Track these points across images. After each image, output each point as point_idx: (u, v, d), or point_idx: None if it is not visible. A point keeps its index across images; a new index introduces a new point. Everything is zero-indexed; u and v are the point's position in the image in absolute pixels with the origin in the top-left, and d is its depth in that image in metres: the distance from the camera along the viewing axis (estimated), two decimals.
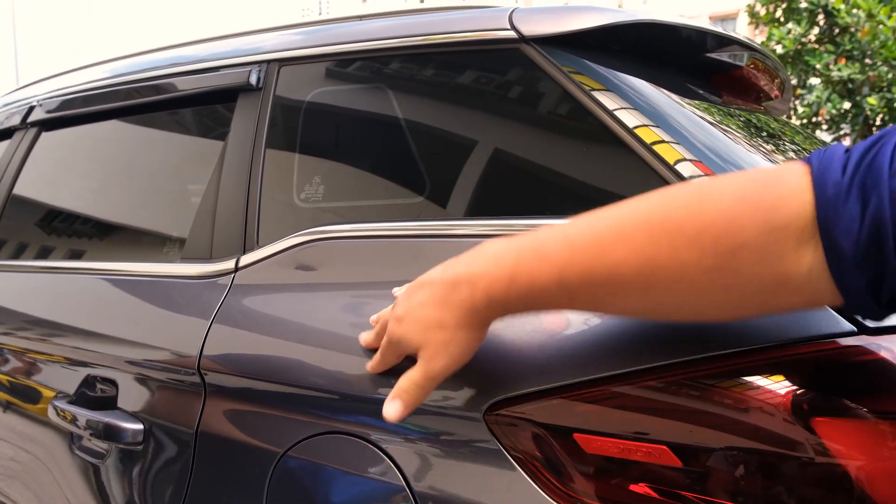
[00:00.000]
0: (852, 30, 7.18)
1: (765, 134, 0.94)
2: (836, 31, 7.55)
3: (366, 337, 0.65)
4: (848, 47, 7.27)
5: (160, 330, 0.89)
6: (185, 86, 1.13)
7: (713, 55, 0.98)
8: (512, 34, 0.77)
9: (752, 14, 8.98)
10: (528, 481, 0.55)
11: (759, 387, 0.49)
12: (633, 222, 0.45)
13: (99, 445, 0.91)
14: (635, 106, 0.71)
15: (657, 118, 0.70)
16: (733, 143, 0.74)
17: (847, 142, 8.25)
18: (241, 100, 1.03)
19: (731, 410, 0.49)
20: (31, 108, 1.54)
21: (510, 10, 0.80)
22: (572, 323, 0.56)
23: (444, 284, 0.52)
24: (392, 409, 0.55)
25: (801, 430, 0.47)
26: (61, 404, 0.95)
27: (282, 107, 0.97)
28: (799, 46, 7.83)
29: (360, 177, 0.89)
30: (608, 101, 0.70)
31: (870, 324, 0.49)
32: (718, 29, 0.92)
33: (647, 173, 0.65)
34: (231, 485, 0.76)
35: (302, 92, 0.96)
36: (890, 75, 7.05)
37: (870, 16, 7.00)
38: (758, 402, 0.49)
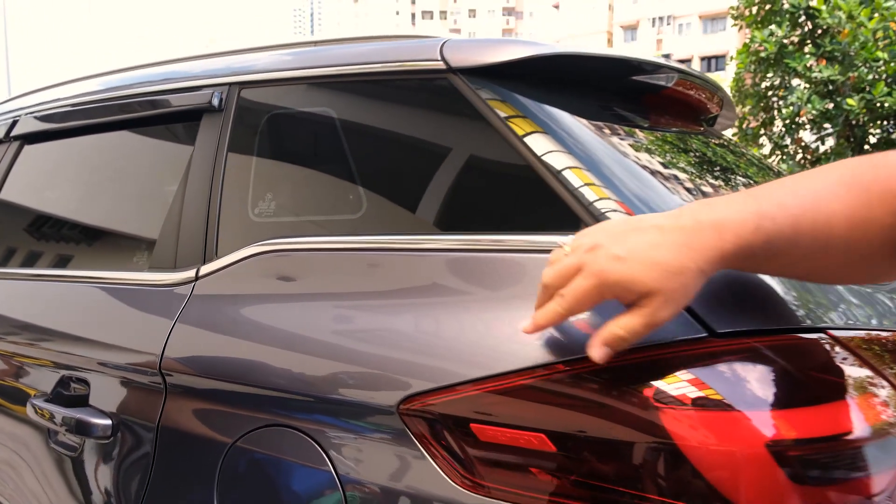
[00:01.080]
0: (834, 31, 7.28)
1: (680, 149, 1.03)
2: (818, 32, 7.65)
3: (550, 274, 0.55)
4: (829, 49, 7.37)
5: (127, 333, 0.97)
6: (154, 105, 1.21)
7: (640, 80, 1.05)
8: (441, 65, 0.85)
9: (736, 16, 9.06)
10: (434, 467, 0.64)
11: (620, 382, 0.58)
12: (847, 182, 0.49)
13: (72, 440, 0.99)
14: (546, 131, 0.79)
15: (563, 142, 0.78)
16: (636, 162, 0.83)
17: (831, 142, 8.35)
18: (204, 119, 1.10)
19: (596, 403, 0.58)
20: (14, 123, 1.61)
21: (442, 42, 0.89)
22: (465, 329, 0.65)
23: (683, 229, 0.50)
24: (601, 353, 0.52)
25: (651, 420, 0.56)
26: (39, 403, 1.03)
27: (240, 127, 1.05)
28: (780, 48, 7.93)
29: (306, 194, 0.97)
30: (519, 127, 0.78)
31: (719, 329, 0.58)
32: (644, 56, 1.00)
33: (549, 192, 0.73)
34: (188, 472, 0.84)
35: (258, 114, 1.04)
36: (870, 76, 7.16)
37: (850, 17, 7.11)
38: (618, 396, 0.58)
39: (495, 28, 76.59)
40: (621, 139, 0.87)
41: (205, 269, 0.95)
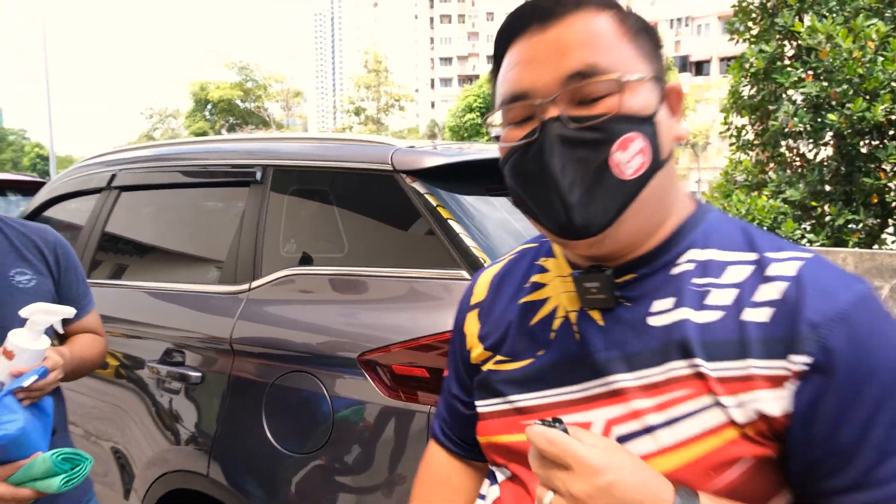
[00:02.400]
0: (817, 49, 7.76)
1: None
2: (803, 49, 8.13)
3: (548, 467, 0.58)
4: (814, 65, 7.85)
5: (209, 322, 1.61)
6: (219, 172, 1.86)
7: None
8: (389, 167, 1.48)
9: (731, 31, 9.53)
10: (374, 387, 1.27)
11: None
12: None
13: (175, 385, 1.64)
14: (445, 206, 1.41)
15: (455, 213, 1.40)
16: (502, 224, 1.44)
17: (829, 151, 8.72)
18: (251, 186, 1.75)
19: (431, 356, 1.20)
20: (113, 176, 2.28)
21: (393, 150, 1.51)
22: (391, 318, 1.28)
23: None
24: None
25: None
26: (153, 364, 1.69)
27: (273, 194, 1.69)
28: (769, 65, 8.41)
29: (312, 240, 1.61)
30: (438, 209, 1.40)
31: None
32: None
33: (447, 254, 1.34)
34: (246, 400, 1.48)
35: (283, 186, 1.68)
36: (850, 92, 7.63)
37: (829, 37, 7.59)
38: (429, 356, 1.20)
39: None
40: (493, 208, 1.49)
41: (254, 284, 1.59)
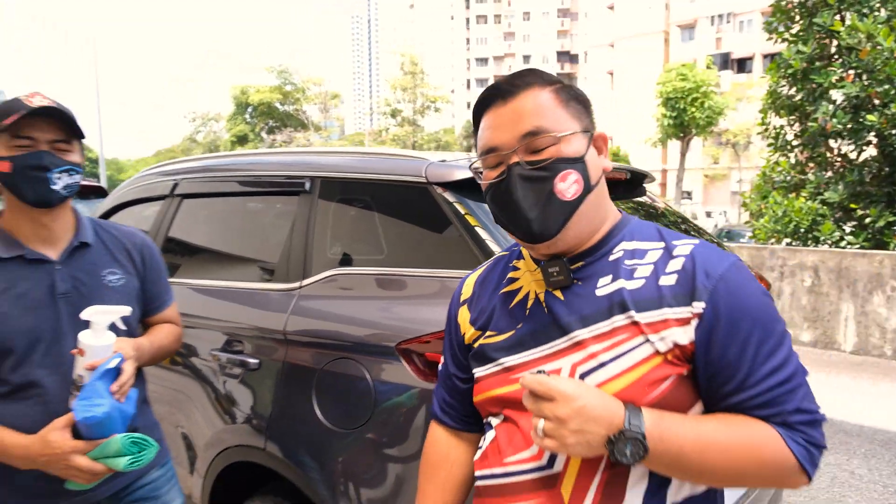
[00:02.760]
0: (856, 49, 7.66)
1: None
2: (843, 49, 8.03)
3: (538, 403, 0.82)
4: (854, 65, 7.76)
5: (265, 315, 1.83)
6: (273, 183, 2.08)
7: None
8: (423, 179, 1.67)
9: (769, 30, 9.42)
10: (409, 371, 1.46)
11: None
12: (718, 454, 0.80)
13: (235, 371, 1.87)
14: (479, 221, 1.59)
15: (489, 225, 1.57)
16: None
17: (872, 151, 8.55)
18: (301, 195, 1.96)
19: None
20: (175, 185, 2.53)
21: (427, 164, 1.70)
22: (424, 311, 1.47)
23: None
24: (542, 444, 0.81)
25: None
26: (215, 352, 1.91)
27: (320, 202, 1.90)
28: (807, 65, 8.33)
29: (355, 243, 1.81)
30: (466, 217, 1.58)
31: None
32: None
33: (473, 256, 1.52)
34: (298, 384, 1.69)
35: (329, 195, 1.88)
36: (893, 92, 7.51)
37: (870, 36, 7.49)
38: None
39: (550, 30, 76.55)
40: None
41: (305, 282, 1.80)
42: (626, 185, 2.20)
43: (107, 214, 2.81)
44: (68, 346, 1.30)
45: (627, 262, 0.91)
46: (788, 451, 0.82)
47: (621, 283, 0.89)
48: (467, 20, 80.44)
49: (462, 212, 1.58)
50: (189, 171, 2.51)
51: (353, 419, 1.55)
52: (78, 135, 1.34)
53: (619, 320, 0.87)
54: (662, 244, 0.92)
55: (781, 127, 9.30)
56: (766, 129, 9.36)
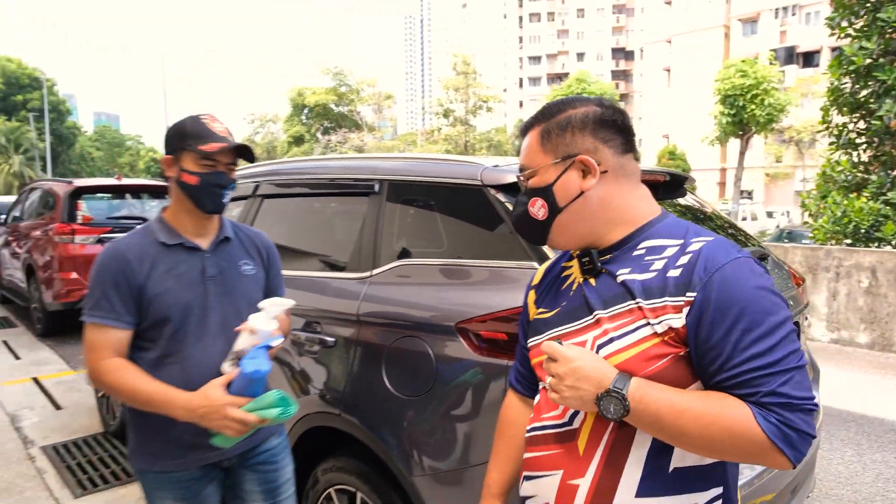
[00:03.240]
0: None
1: None
2: None
3: (553, 365, 1.03)
4: None
5: (340, 301, 2.12)
6: (347, 184, 2.37)
7: None
8: (479, 182, 1.91)
9: (831, 26, 9.23)
10: (466, 346, 1.71)
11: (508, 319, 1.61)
12: (694, 422, 0.94)
13: (314, 349, 2.16)
14: None
15: None
16: None
17: None
18: (371, 195, 2.24)
19: (509, 324, 1.62)
20: (257, 185, 2.86)
21: (482, 169, 1.95)
22: (480, 296, 1.71)
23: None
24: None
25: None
26: (297, 332, 2.21)
27: (388, 202, 2.17)
28: (871, 61, 8.14)
29: (418, 238, 2.07)
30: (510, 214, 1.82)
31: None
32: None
33: (522, 250, 1.76)
34: (369, 359, 1.97)
35: (395, 196, 2.15)
36: None
37: None
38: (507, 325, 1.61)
39: (605, 26, 75.34)
40: None
41: (374, 272, 2.08)
42: (666, 187, 2.39)
43: None
44: (212, 320, 1.60)
45: (647, 257, 1.06)
46: (758, 427, 0.92)
47: (636, 275, 1.04)
48: (520, 18, 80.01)
49: (512, 210, 1.82)
50: (269, 174, 2.84)
51: (416, 388, 1.81)
52: (249, 161, 1.68)
53: (628, 305, 1.03)
54: (681, 241, 1.05)
55: (844, 125, 9.07)
56: (828, 128, 9.15)
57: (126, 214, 7.79)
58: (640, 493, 1.02)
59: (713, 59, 44.64)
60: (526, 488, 1.17)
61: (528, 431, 1.19)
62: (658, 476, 1.03)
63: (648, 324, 1.00)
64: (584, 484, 1.06)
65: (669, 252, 1.04)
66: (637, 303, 1.02)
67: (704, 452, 0.99)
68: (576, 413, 1.09)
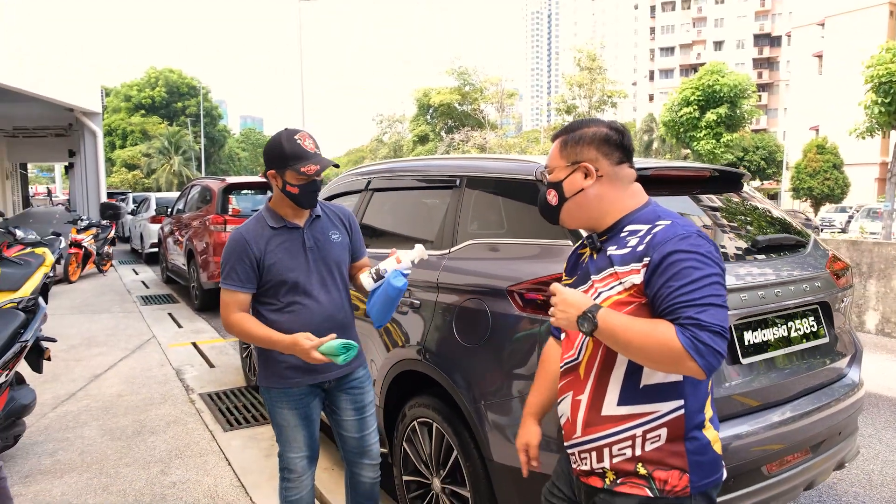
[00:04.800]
0: None
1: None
2: None
3: (555, 302, 1.45)
4: None
5: (427, 272, 2.63)
6: (435, 179, 2.89)
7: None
8: (533, 177, 2.34)
9: None
10: (514, 306, 2.15)
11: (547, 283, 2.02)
12: (636, 334, 1.29)
13: (404, 310, 2.70)
14: None
15: None
16: None
17: None
18: (454, 188, 2.74)
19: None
20: (369, 181, 3.46)
21: (537, 166, 2.37)
22: (527, 266, 2.14)
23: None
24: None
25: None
26: None
27: (466, 194, 2.65)
28: None
29: (486, 221, 2.53)
30: None
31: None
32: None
33: (563, 231, 2.17)
34: (444, 315, 2.47)
35: (473, 188, 2.63)
36: None
37: None
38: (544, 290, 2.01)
39: (748, 10, 70.30)
40: None
41: (452, 249, 2.58)
42: (718, 183, 2.65)
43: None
44: (312, 278, 2.18)
45: (627, 237, 1.45)
46: (677, 340, 1.26)
47: (618, 250, 1.44)
48: (652, 8, 76.74)
49: None
50: (378, 172, 3.44)
51: (476, 338, 2.28)
52: (335, 168, 2.22)
53: (610, 271, 1.44)
54: (650, 225, 1.42)
55: None
56: None
57: None
58: (620, 402, 1.43)
59: (874, 41, 40.42)
60: (558, 410, 1.60)
61: (561, 367, 1.62)
62: (632, 391, 1.42)
63: (620, 283, 1.40)
64: (584, 399, 1.49)
65: (641, 233, 1.43)
66: (614, 269, 1.43)
67: (644, 360, 1.35)
68: (580, 350, 1.51)
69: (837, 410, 2.26)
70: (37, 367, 3.80)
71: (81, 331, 7.18)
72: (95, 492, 3.29)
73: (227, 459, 3.68)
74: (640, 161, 2.55)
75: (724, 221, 2.45)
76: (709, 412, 1.46)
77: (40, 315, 3.65)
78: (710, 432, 1.44)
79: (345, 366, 2.20)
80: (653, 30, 76.49)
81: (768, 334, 2.16)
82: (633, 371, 1.42)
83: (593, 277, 1.48)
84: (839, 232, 25.60)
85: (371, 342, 2.95)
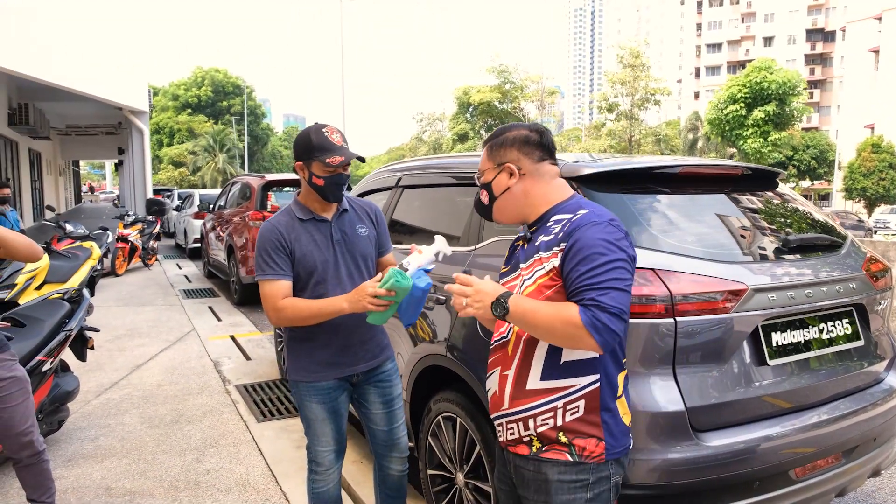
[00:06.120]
0: None
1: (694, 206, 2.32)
2: None
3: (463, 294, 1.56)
4: None
5: (453, 268, 2.64)
6: (462, 176, 2.89)
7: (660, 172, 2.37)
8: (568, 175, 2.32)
9: None
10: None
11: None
12: (543, 315, 1.42)
13: (430, 305, 2.72)
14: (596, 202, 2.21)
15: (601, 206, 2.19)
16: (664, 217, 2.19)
17: None
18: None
19: None
20: (399, 178, 3.49)
21: (563, 164, 2.35)
22: None
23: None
24: (463, 313, 1.57)
25: None
26: None
27: None
28: None
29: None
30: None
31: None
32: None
33: None
34: None
35: None
36: None
37: None
38: None
39: (800, 5, 67.87)
40: (622, 202, 2.23)
41: (479, 245, 2.58)
42: (753, 181, 2.58)
43: None
44: (340, 271, 2.21)
45: (554, 227, 1.54)
46: (578, 317, 1.37)
47: (543, 238, 1.55)
48: (699, 3, 74.93)
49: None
50: (408, 169, 3.47)
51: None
52: (361, 162, 2.26)
53: (535, 257, 1.55)
54: (572, 214, 1.52)
55: None
56: None
57: None
58: (543, 377, 1.54)
59: None
60: (486, 384, 1.73)
61: (491, 345, 1.71)
62: (554, 366, 1.53)
63: (543, 267, 1.52)
64: (511, 374, 1.60)
65: (564, 220, 1.53)
66: (539, 255, 1.54)
67: (550, 338, 1.46)
68: (510, 330, 1.62)
69: (872, 416, 2.17)
70: (81, 356, 3.96)
71: (126, 322, 7.44)
72: (133, 477, 3.41)
73: (259, 449, 3.77)
74: (667, 159, 2.51)
75: (756, 220, 2.38)
76: (621, 386, 1.57)
77: (84, 305, 3.81)
78: (622, 405, 1.55)
79: (371, 359, 2.26)
80: (699, 25, 74.70)
81: (799, 336, 2.09)
82: (555, 349, 1.52)
83: (521, 266, 1.60)
84: (894, 234, 24.55)
85: (398, 336, 2.97)
